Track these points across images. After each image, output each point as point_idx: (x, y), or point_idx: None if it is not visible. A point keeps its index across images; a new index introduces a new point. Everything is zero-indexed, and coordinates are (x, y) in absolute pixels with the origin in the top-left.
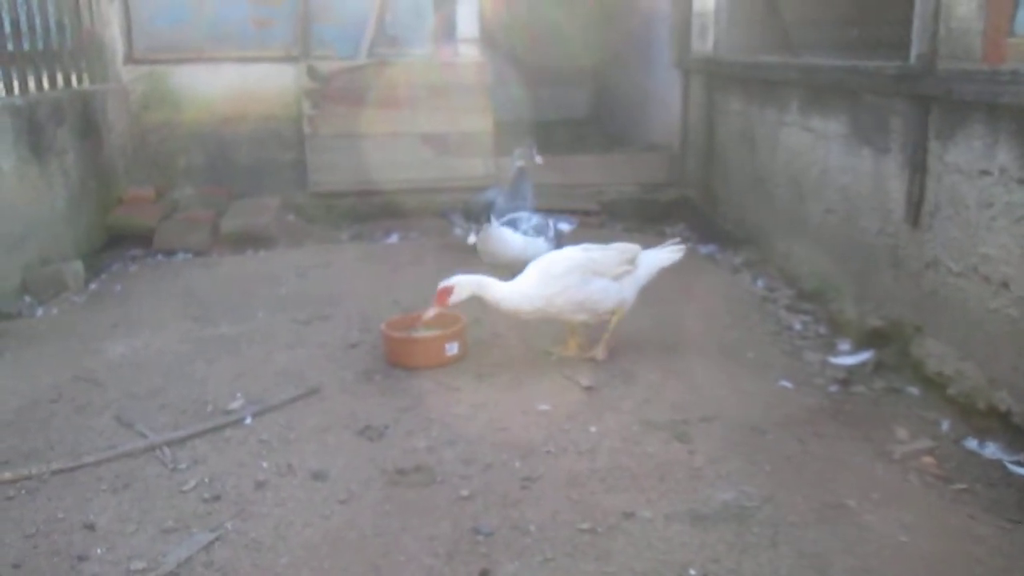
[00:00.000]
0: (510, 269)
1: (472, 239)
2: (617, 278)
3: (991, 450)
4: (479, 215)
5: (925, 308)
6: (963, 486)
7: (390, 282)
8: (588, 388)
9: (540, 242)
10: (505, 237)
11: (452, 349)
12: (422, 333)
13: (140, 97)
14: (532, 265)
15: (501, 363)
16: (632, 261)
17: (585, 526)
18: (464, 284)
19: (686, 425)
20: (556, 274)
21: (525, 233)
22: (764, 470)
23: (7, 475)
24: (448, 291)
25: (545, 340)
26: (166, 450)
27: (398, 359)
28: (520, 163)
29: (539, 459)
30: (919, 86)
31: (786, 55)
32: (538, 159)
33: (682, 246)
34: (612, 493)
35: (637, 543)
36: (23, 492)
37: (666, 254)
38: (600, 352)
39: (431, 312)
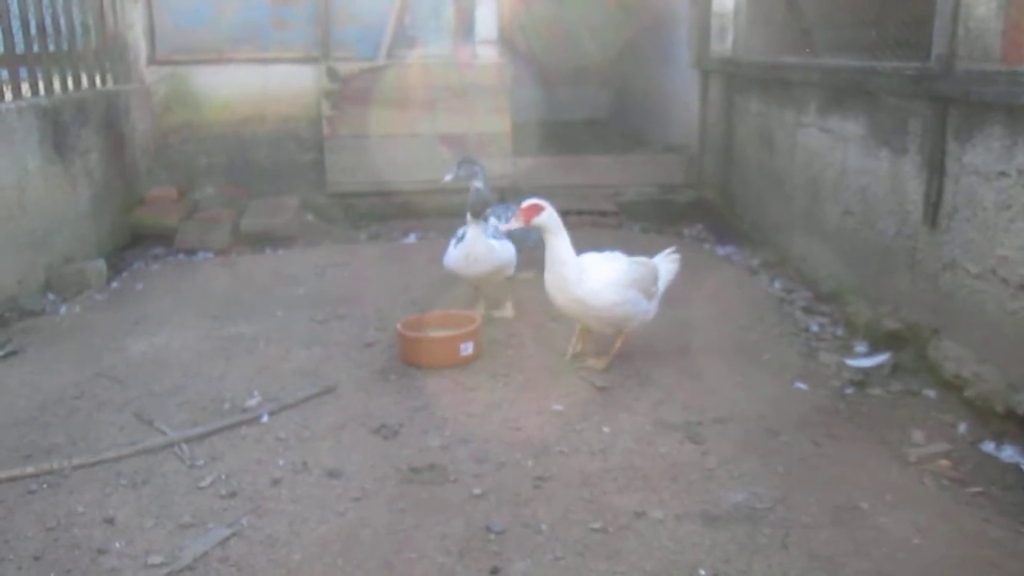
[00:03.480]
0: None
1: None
2: (651, 297)
3: (1008, 453)
4: (481, 209)
5: (943, 310)
6: (979, 489)
7: (407, 282)
8: (602, 389)
9: (508, 243)
10: (493, 245)
11: (467, 349)
12: (437, 333)
13: (162, 98)
14: (588, 262)
15: (515, 363)
16: (656, 281)
17: (596, 525)
18: (553, 216)
19: (700, 426)
20: (623, 283)
21: (496, 238)
22: (777, 472)
23: (29, 469)
24: (537, 209)
25: (559, 340)
26: (184, 447)
27: (413, 358)
28: (477, 184)
29: (552, 459)
30: (937, 87)
31: (805, 56)
32: (477, 183)
33: (677, 255)
34: (624, 493)
35: (648, 543)
36: (45, 486)
37: (668, 265)
38: (601, 363)
39: (512, 223)
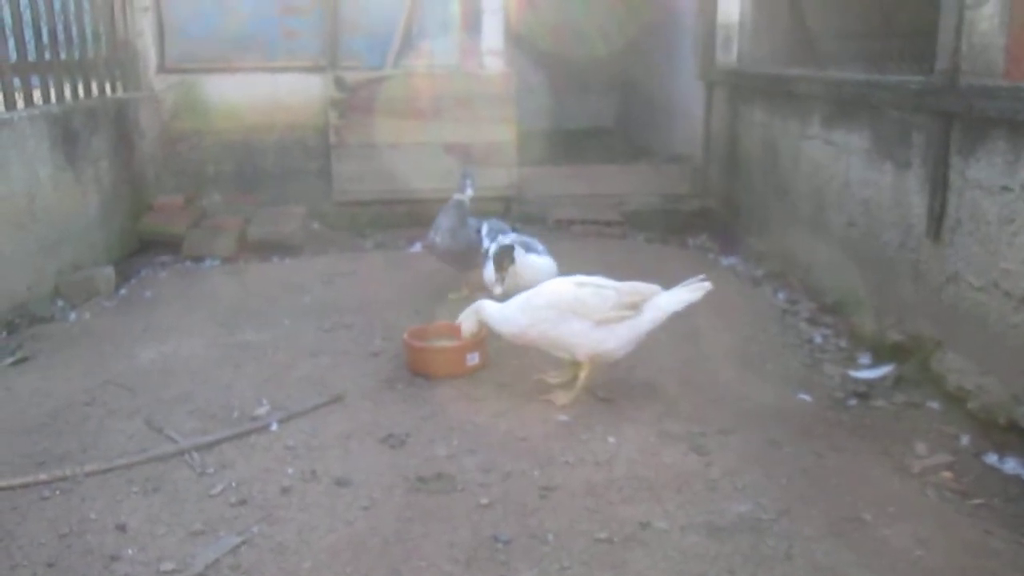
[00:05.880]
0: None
1: (499, 289)
2: (604, 323)
3: (1011, 465)
4: (502, 261)
5: (946, 322)
6: (981, 501)
7: (413, 291)
8: (605, 399)
9: (550, 260)
10: (538, 265)
11: (473, 359)
12: (443, 343)
13: (171, 106)
14: (534, 289)
15: (521, 373)
16: (637, 306)
17: (602, 535)
18: (466, 317)
19: (704, 437)
20: (535, 305)
21: (543, 253)
22: (780, 483)
23: (43, 476)
24: (458, 328)
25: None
26: (195, 455)
27: (420, 368)
28: (458, 196)
29: (558, 468)
30: (941, 102)
31: (810, 67)
32: (469, 191)
33: (706, 284)
34: (629, 503)
35: (653, 553)
36: (57, 493)
37: (683, 295)
38: (564, 398)
39: (470, 359)
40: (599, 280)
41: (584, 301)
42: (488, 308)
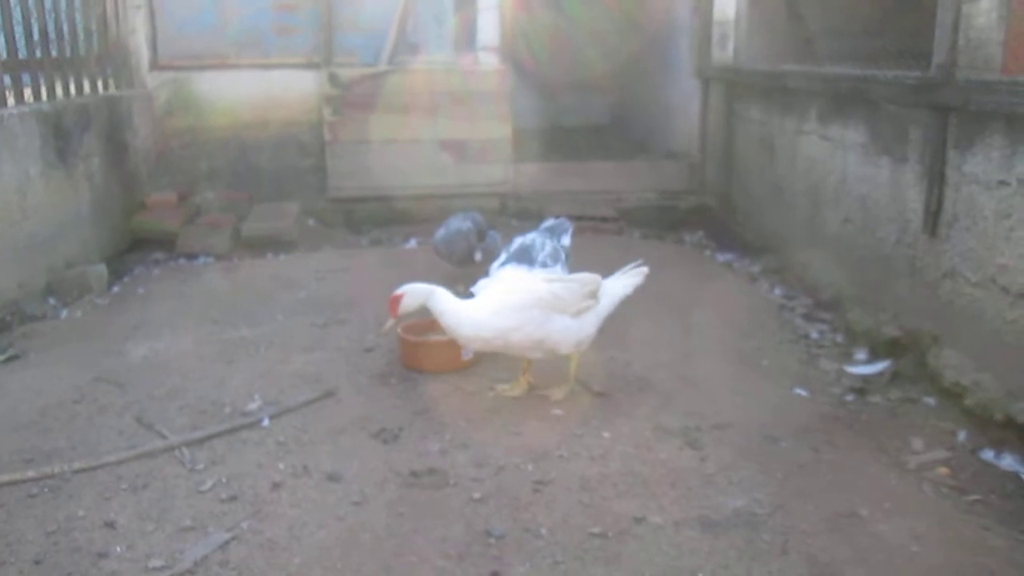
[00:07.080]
0: None
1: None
2: (578, 315)
3: (1008, 461)
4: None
5: (943, 318)
6: (978, 497)
7: None
8: (600, 394)
9: (558, 270)
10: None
11: (467, 354)
12: (438, 337)
13: (164, 103)
14: (490, 289)
15: (515, 368)
16: (595, 295)
17: (596, 530)
18: (414, 293)
19: (699, 432)
20: (515, 307)
21: (543, 264)
22: (776, 478)
23: (31, 473)
24: (397, 300)
25: None
26: (185, 451)
27: (413, 363)
28: (462, 224)
29: (551, 463)
30: (938, 96)
31: (807, 64)
32: (478, 256)
33: (644, 268)
34: (623, 498)
35: (647, 548)
36: (46, 490)
37: (628, 280)
38: (560, 392)
39: (388, 324)
40: (552, 276)
41: (560, 295)
42: (444, 304)
